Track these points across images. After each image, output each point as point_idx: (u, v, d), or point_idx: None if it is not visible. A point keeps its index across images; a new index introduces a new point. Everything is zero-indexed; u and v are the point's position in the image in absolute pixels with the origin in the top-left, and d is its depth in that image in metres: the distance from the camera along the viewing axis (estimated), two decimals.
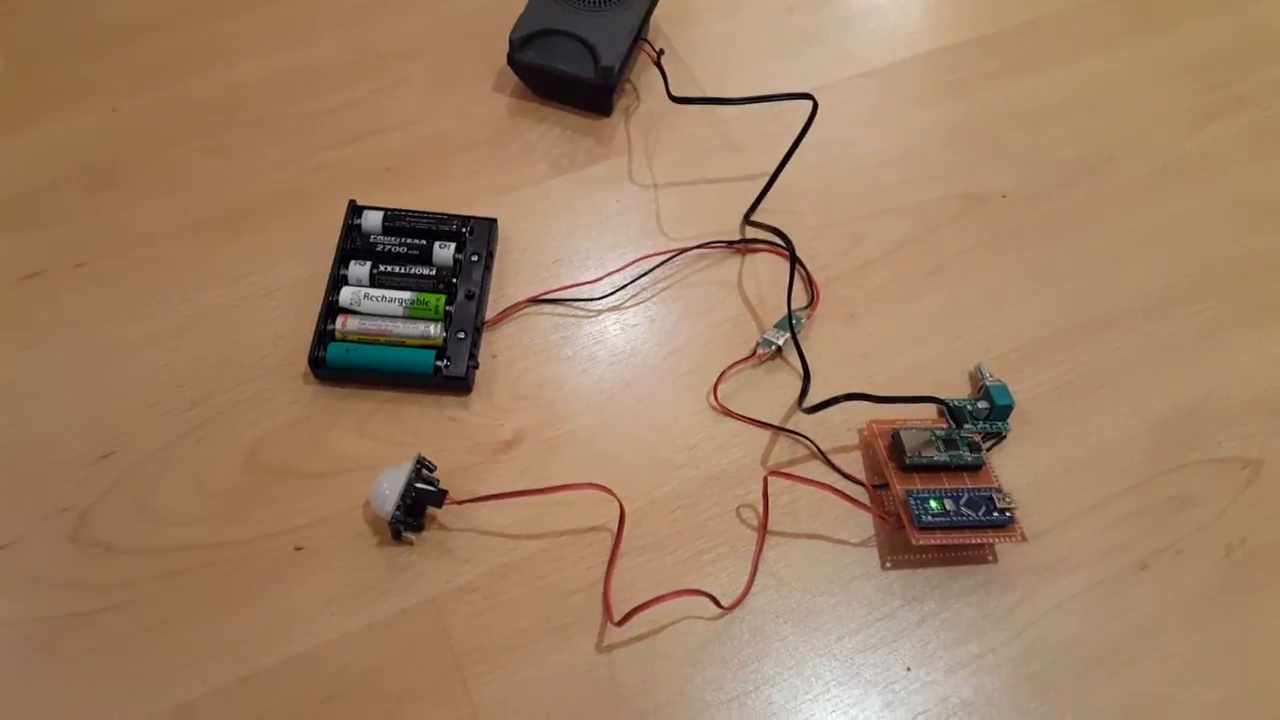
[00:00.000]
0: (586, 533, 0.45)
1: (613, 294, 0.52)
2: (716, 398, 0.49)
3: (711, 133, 0.58)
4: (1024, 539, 0.45)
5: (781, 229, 0.54)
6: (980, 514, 0.45)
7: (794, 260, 0.52)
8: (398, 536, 0.44)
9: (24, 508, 0.44)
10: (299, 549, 0.43)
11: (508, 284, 0.52)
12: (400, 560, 0.44)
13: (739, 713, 0.42)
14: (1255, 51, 0.65)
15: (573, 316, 0.52)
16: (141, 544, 0.43)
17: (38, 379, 0.47)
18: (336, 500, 0.45)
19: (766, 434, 0.49)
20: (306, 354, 0.47)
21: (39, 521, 0.43)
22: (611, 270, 0.53)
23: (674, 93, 0.56)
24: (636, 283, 0.52)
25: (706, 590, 0.43)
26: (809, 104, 0.53)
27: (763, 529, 0.46)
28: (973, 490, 0.46)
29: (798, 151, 0.53)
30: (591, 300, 0.52)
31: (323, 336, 0.48)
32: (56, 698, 0.40)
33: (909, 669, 0.43)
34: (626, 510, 0.45)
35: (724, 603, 0.43)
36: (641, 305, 0.52)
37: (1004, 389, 0.49)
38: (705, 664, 0.43)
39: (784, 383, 0.50)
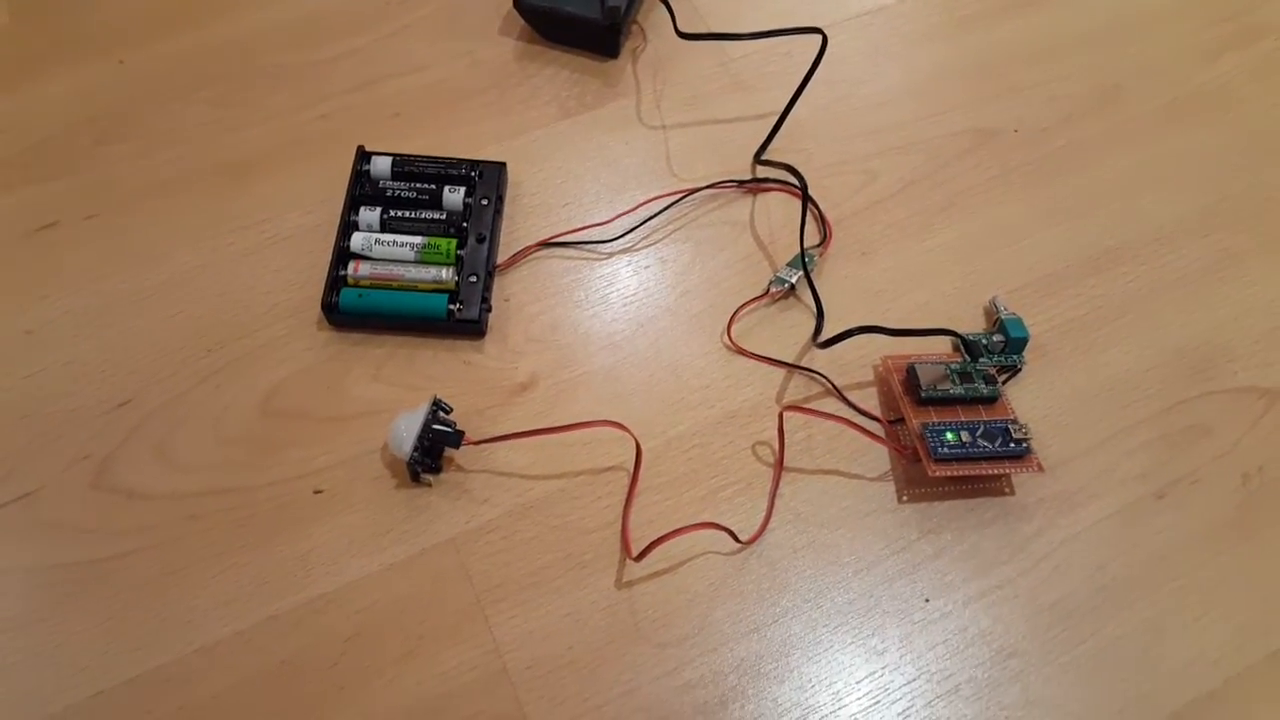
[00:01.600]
0: (603, 472, 0.45)
1: (624, 236, 0.51)
2: (730, 337, 0.48)
3: (720, 72, 0.57)
4: (1041, 469, 0.44)
5: (793, 166, 0.53)
6: (997, 445, 0.44)
7: (806, 197, 0.51)
8: (416, 478, 0.43)
9: (44, 456, 0.43)
10: (318, 492, 0.43)
11: (518, 228, 0.51)
12: (419, 501, 0.43)
13: (759, 643, 0.41)
14: None
15: (584, 259, 0.51)
16: (162, 489, 0.43)
17: (54, 329, 0.47)
18: (354, 444, 0.44)
19: (781, 372, 0.48)
20: (320, 300, 0.47)
21: (60, 469, 0.43)
22: (622, 212, 0.52)
23: (681, 29, 0.55)
24: (647, 224, 0.51)
25: (724, 524, 0.43)
26: (818, 39, 0.52)
27: (779, 465, 0.45)
28: (989, 422, 0.45)
29: (807, 89, 0.52)
30: (603, 243, 0.51)
31: (335, 282, 0.47)
32: (81, 642, 0.40)
33: (927, 600, 0.43)
34: (643, 450, 0.44)
35: (742, 537, 0.43)
36: (653, 247, 0.51)
37: (1019, 321, 0.48)
38: (724, 598, 0.42)
39: (797, 321, 0.49)
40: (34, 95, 0.54)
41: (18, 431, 0.44)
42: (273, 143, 0.53)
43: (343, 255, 0.48)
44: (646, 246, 0.51)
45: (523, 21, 0.57)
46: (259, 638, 0.40)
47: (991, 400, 0.46)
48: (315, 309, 0.47)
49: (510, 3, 0.56)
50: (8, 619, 0.40)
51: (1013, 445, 0.44)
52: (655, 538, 0.41)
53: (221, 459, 0.44)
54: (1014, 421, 0.45)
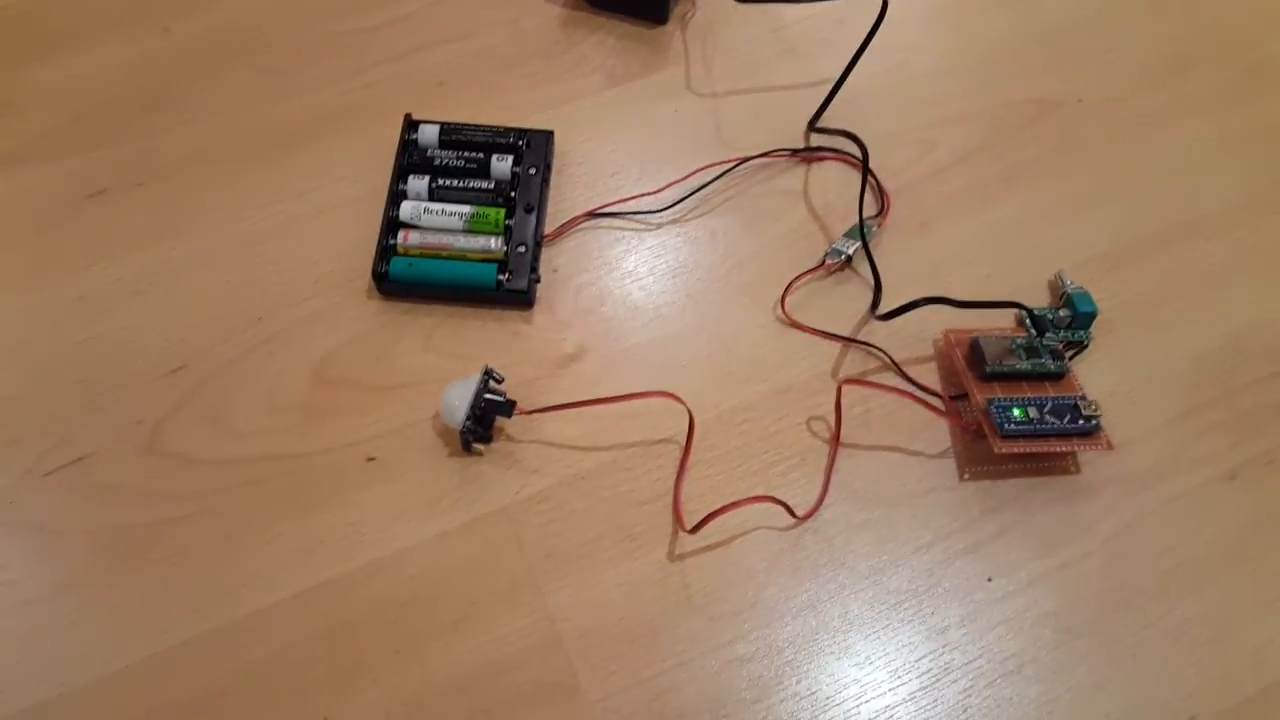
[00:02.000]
0: (655, 444, 0.45)
1: (673, 206, 0.51)
2: (784, 310, 0.48)
3: (771, 38, 0.56)
4: (1110, 446, 0.43)
5: (854, 133, 0.52)
6: (1065, 421, 0.43)
7: (866, 165, 0.50)
8: (467, 447, 0.43)
9: (99, 420, 0.44)
10: (371, 459, 0.43)
11: (566, 198, 0.51)
12: (470, 470, 0.43)
13: (815, 619, 0.41)
14: None
15: (633, 230, 0.50)
16: (216, 454, 0.43)
17: (106, 295, 0.47)
18: (405, 413, 0.44)
19: (836, 346, 0.47)
20: (369, 269, 0.47)
21: (115, 434, 0.43)
22: (671, 181, 0.51)
23: None
24: (698, 194, 0.51)
25: (780, 498, 0.42)
26: (876, 4, 0.51)
27: (835, 440, 0.45)
28: (1056, 398, 0.44)
29: (863, 57, 0.51)
30: (652, 213, 0.51)
31: (385, 251, 0.47)
32: (137, 604, 0.40)
33: (990, 579, 0.42)
34: (695, 420, 0.44)
35: (797, 513, 0.43)
36: (703, 217, 0.51)
37: (1087, 296, 0.47)
38: (779, 573, 0.42)
39: (854, 294, 0.49)
40: (81, 63, 0.54)
41: (72, 396, 0.44)
42: (320, 111, 0.53)
43: (392, 224, 0.48)
44: (697, 217, 0.51)
45: None
46: (313, 602, 0.40)
47: (1059, 376, 0.45)
48: (364, 278, 0.47)
49: None
50: (65, 580, 0.40)
51: (1082, 422, 0.43)
52: (709, 511, 0.41)
53: (274, 425, 0.44)
54: (1083, 398, 0.44)
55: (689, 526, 0.41)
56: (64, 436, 0.43)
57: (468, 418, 0.42)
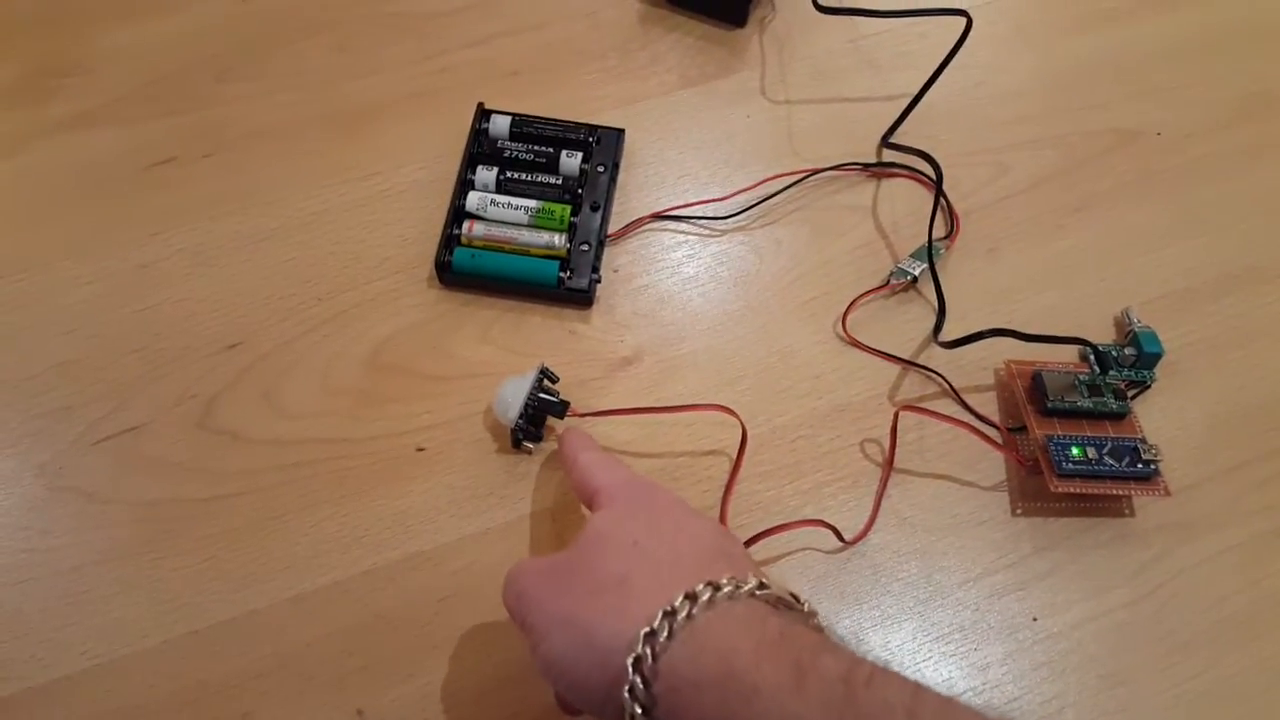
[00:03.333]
0: (704, 455, 0.43)
1: (740, 213, 0.49)
2: (845, 327, 0.46)
3: (849, 49, 0.54)
4: (1167, 493, 0.41)
5: (927, 152, 0.50)
6: (1124, 464, 0.41)
7: (939, 186, 0.48)
8: (517, 445, 0.42)
9: (154, 391, 0.43)
10: (420, 450, 0.42)
11: (632, 197, 0.49)
12: (519, 468, 0.42)
13: (856, 647, 0.39)
14: None
15: (697, 235, 0.49)
16: (267, 434, 0.42)
17: (168, 265, 0.46)
18: (458, 404, 0.43)
19: (895, 368, 0.45)
20: (432, 257, 0.45)
21: (168, 406, 0.42)
22: (739, 189, 0.49)
23: (820, 1, 0.52)
24: (765, 203, 0.49)
25: (829, 521, 0.41)
26: (961, 21, 0.48)
27: (888, 465, 0.43)
28: (1116, 439, 0.42)
29: (942, 73, 0.49)
30: (717, 219, 0.49)
31: (449, 241, 0.45)
32: (179, 579, 0.39)
33: (1035, 619, 0.40)
34: (748, 437, 0.42)
35: (846, 536, 0.41)
36: (769, 226, 0.49)
37: (1153, 335, 0.45)
38: (823, 596, 0.40)
39: (916, 316, 0.47)
40: (156, 29, 0.53)
41: (129, 364, 0.43)
42: (392, 93, 0.51)
43: (458, 214, 0.46)
44: (762, 226, 0.49)
45: None
46: (355, 590, 0.39)
47: (1120, 416, 0.43)
48: (426, 266, 0.46)
49: None
50: (108, 549, 0.40)
51: (1140, 466, 0.41)
52: (758, 531, 0.40)
53: (326, 409, 0.43)
54: (1143, 441, 0.42)
55: None
56: (117, 406, 0.42)
57: (520, 415, 0.40)
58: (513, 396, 0.41)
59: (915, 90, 0.50)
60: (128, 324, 0.44)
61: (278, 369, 0.43)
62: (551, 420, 0.42)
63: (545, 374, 0.42)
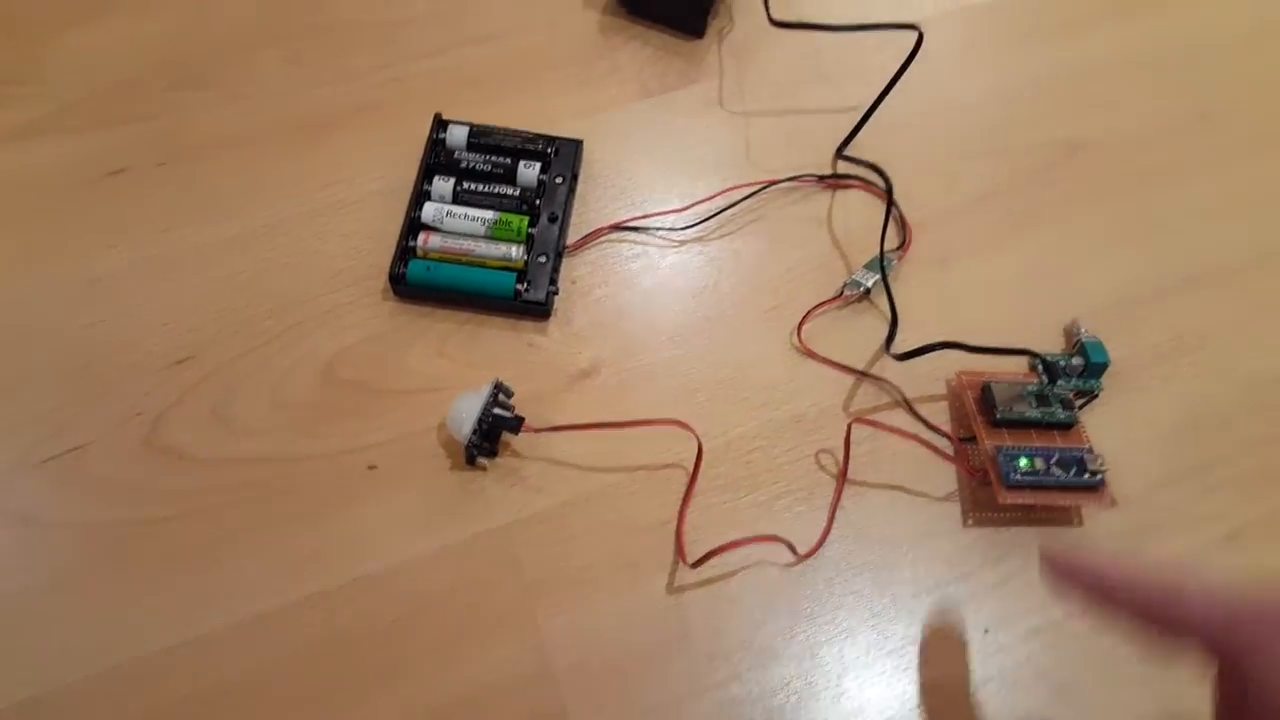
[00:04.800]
0: (661, 469, 0.40)
1: (697, 225, 0.45)
2: (800, 338, 0.43)
3: (806, 62, 0.51)
4: (1113, 503, 0.39)
5: (879, 165, 0.47)
6: (1071, 474, 0.39)
7: (890, 199, 0.45)
8: (471, 461, 0.38)
9: (99, 409, 0.39)
10: (372, 467, 0.39)
11: (590, 208, 0.46)
12: (473, 485, 0.39)
13: (810, 663, 0.37)
14: None
15: (656, 245, 0.45)
16: (214, 452, 0.38)
17: (119, 279, 0.42)
18: (411, 420, 0.40)
19: (849, 378, 0.42)
20: (387, 270, 0.42)
21: (114, 424, 0.39)
22: (697, 200, 0.46)
23: (774, 16, 0.48)
24: (722, 214, 0.46)
25: (783, 536, 0.38)
26: (913, 35, 0.45)
27: (842, 477, 0.40)
28: (1064, 450, 0.40)
29: (895, 87, 0.46)
30: (675, 230, 0.45)
31: (404, 253, 0.42)
32: (126, 603, 0.36)
33: (987, 631, 0.38)
34: (704, 450, 0.39)
35: (800, 550, 0.38)
36: (726, 238, 0.46)
37: (1100, 345, 0.42)
38: (778, 611, 0.37)
39: (870, 326, 0.44)
40: (108, 35, 0.49)
41: (75, 382, 0.39)
42: (348, 102, 0.47)
43: (414, 225, 0.42)
44: (720, 237, 0.46)
45: None
46: (302, 614, 0.36)
47: (1068, 426, 0.41)
48: (381, 278, 0.42)
49: None
50: (53, 574, 0.36)
51: (1087, 476, 0.39)
52: (713, 547, 0.37)
53: (277, 425, 0.39)
54: (1090, 451, 0.40)
55: (690, 561, 0.37)
56: (62, 424, 0.38)
57: (474, 431, 0.37)
58: (466, 412, 0.37)
59: (870, 102, 0.47)
60: (75, 340, 0.40)
61: (227, 384, 0.40)
62: (508, 435, 0.39)
63: (500, 388, 0.39)
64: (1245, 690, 0.26)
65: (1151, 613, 0.28)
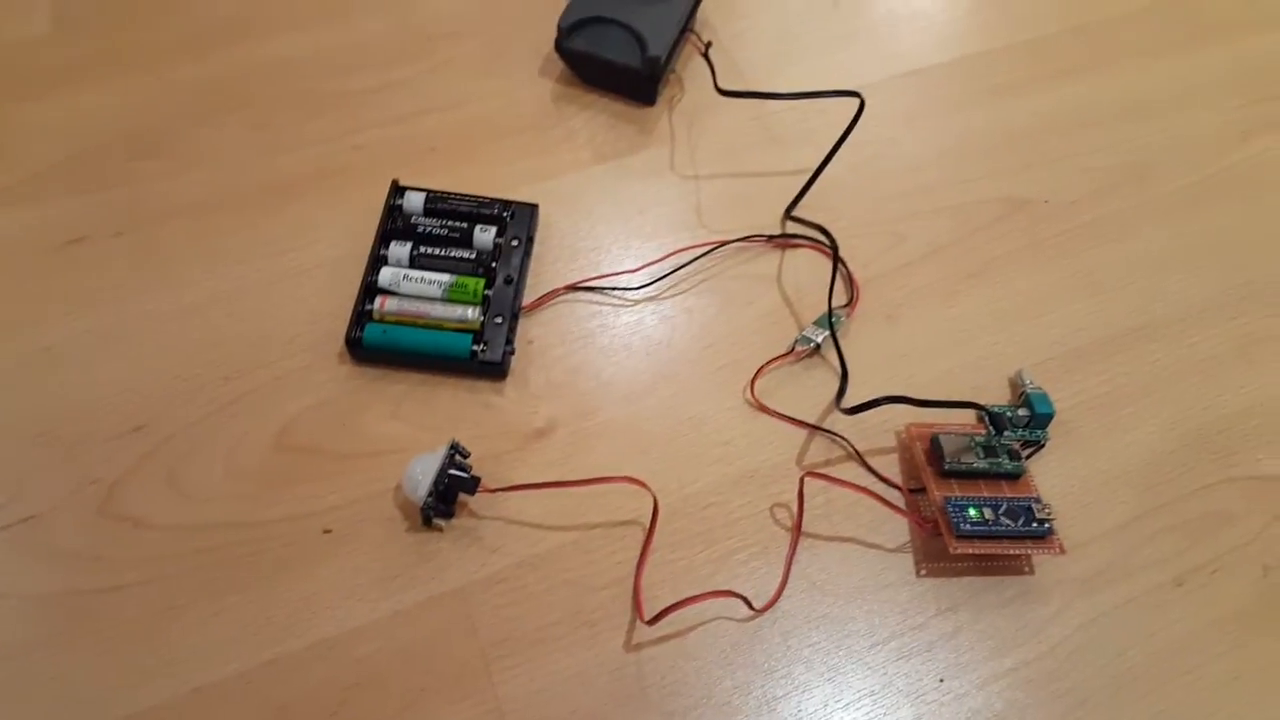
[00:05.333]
0: (617, 526, 0.41)
1: (651, 284, 0.48)
2: (753, 394, 0.45)
3: (754, 126, 0.53)
4: (1062, 551, 0.41)
5: (824, 226, 0.49)
6: (1019, 524, 0.41)
7: (836, 257, 0.47)
8: (428, 523, 0.40)
9: (53, 478, 0.40)
10: (327, 531, 0.40)
11: (546, 270, 0.48)
12: (429, 547, 0.40)
13: (768, 717, 0.38)
14: None
15: (610, 305, 0.47)
16: (169, 520, 0.39)
17: (74, 347, 0.43)
18: (367, 483, 0.41)
19: (802, 433, 0.44)
20: (343, 333, 0.43)
21: (68, 493, 0.39)
22: (650, 260, 0.48)
23: (721, 85, 0.52)
24: (675, 274, 0.48)
25: (739, 591, 0.39)
26: (855, 101, 0.48)
27: (796, 530, 0.41)
28: (1012, 499, 0.41)
29: (841, 148, 0.49)
30: (629, 290, 0.47)
31: (360, 316, 0.43)
32: (77, 674, 0.36)
33: (942, 680, 0.39)
34: (659, 507, 0.41)
35: (756, 604, 0.39)
36: (679, 297, 0.48)
37: (1045, 397, 0.45)
38: (735, 667, 0.39)
39: (822, 381, 0.46)
40: (70, 106, 0.51)
41: (29, 451, 0.40)
42: (307, 170, 0.49)
43: (370, 289, 0.44)
44: (673, 296, 0.48)
45: (563, 64, 0.54)
46: (259, 681, 0.36)
47: (1015, 476, 0.42)
48: (338, 342, 0.44)
49: (551, 44, 0.52)
50: (3, 646, 0.36)
51: (1035, 525, 0.41)
52: (669, 603, 0.38)
53: (232, 492, 0.40)
54: (1037, 500, 0.42)
55: (647, 617, 0.38)
56: (15, 493, 0.39)
57: (430, 493, 0.38)
58: (422, 474, 0.39)
59: (816, 165, 0.49)
60: (29, 409, 0.41)
61: (182, 452, 0.41)
62: (465, 495, 0.40)
63: (456, 449, 0.40)
64: None
65: None
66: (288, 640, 0.37)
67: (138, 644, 0.37)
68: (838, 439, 0.44)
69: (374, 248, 0.45)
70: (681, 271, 0.48)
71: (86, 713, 0.35)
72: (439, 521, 0.40)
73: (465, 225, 0.46)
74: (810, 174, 0.50)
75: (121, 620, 0.37)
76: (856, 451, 0.44)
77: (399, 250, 0.45)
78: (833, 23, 0.59)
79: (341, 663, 0.37)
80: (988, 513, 0.41)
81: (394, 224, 0.46)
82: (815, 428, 0.44)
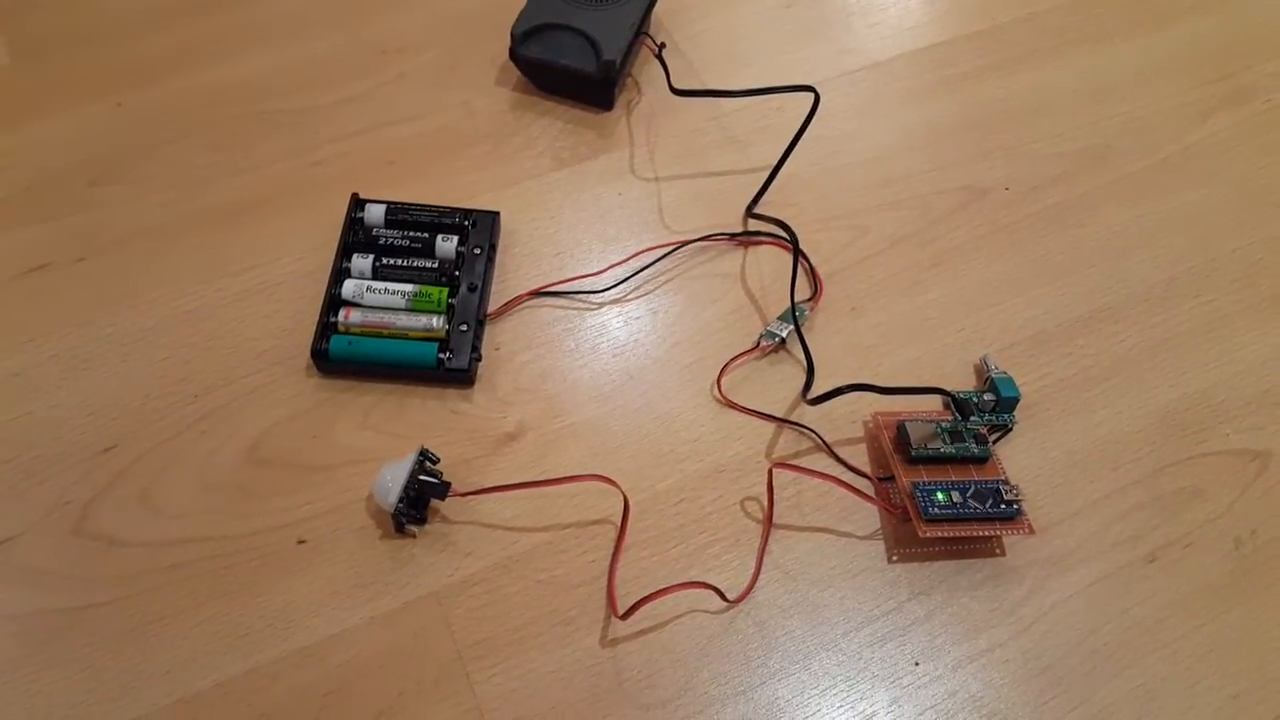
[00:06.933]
0: (590, 525, 0.44)
1: (615, 286, 0.51)
2: (720, 390, 0.48)
3: (712, 126, 0.57)
4: (1032, 531, 0.44)
5: (784, 221, 0.53)
6: (988, 506, 0.44)
7: (797, 252, 0.51)
8: (400, 529, 0.42)
9: (27, 501, 0.43)
10: (301, 542, 0.42)
11: (510, 277, 0.51)
12: (403, 553, 0.43)
13: (745, 707, 0.41)
14: (1255, 44, 0.64)
15: (575, 309, 0.51)
16: (144, 537, 0.42)
17: (41, 372, 0.46)
18: (339, 493, 0.44)
19: (770, 426, 0.48)
20: (309, 347, 0.46)
21: (41, 515, 0.42)
22: (614, 263, 0.51)
23: (675, 85, 0.55)
24: (639, 275, 0.51)
25: (712, 583, 0.42)
26: (810, 97, 0.52)
27: (768, 522, 0.45)
28: (979, 482, 0.45)
29: (799, 145, 0.52)
30: (594, 293, 0.51)
31: (325, 329, 0.47)
32: (58, 692, 0.39)
33: (917, 663, 0.42)
34: (630, 505, 0.44)
35: (729, 596, 0.42)
36: (644, 298, 0.51)
37: (1010, 381, 0.48)
38: (711, 658, 0.41)
39: (788, 375, 0.49)
40: (30, 136, 0.54)
41: (1, 474, 0.43)
42: (267, 188, 0.53)
43: (334, 302, 0.47)
44: (638, 297, 0.51)
45: (518, 72, 0.57)
46: (238, 691, 0.39)
47: (982, 460, 0.46)
48: (304, 356, 0.47)
49: (506, 53, 0.56)
50: None
51: (1004, 506, 0.44)
52: (641, 596, 0.41)
53: (205, 507, 0.43)
54: (1005, 482, 0.45)
55: (621, 612, 0.41)
56: None
57: (400, 499, 0.41)
58: (392, 480, 0.42)
59: (775, 162, 0.53)
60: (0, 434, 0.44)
61: (153, 470, 0.44)
62: (436, 501, 0.43)
63: (426, 455, 0.43)
64: None
65: None
66: (266, 649, 0.40)
67: (117, 659, 0.39)
68: (806, 431, 0.47)
69: (336, 260, 0.48)
70: (646, 273, 0.51)
71: None
72: (411, 528, 0.43)
73: (427, 235, 0.50)
74: (770, 171, 0.53)
75: (100, 636, 0.40)
76: (824, 443, 0.47)
77: (361, 262, 0.48)
78: (786, 21, 0.63)
79: (320, 669, 0.40)
80: (955, 496, 0.44)
81: (355, 236, 0.50)
82: (783, 421, 0.48)
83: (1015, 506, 0.44)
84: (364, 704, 0.39)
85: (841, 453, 0.47)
